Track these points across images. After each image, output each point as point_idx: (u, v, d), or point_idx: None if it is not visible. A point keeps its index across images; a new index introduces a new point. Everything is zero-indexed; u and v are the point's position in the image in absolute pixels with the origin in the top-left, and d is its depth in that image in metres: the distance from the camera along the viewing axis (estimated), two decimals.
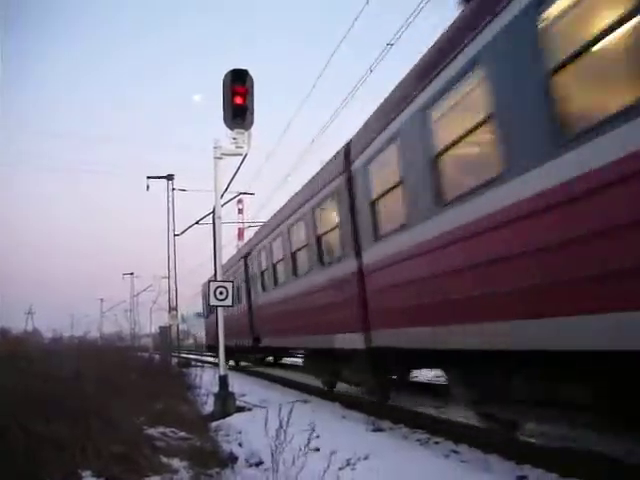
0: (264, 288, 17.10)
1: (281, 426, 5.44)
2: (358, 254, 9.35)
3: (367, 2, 13.03)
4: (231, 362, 28.32)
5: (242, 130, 12.07)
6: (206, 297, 29.33)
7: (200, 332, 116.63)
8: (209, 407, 11.76)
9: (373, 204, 8.68)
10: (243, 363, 29.02)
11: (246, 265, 20.03)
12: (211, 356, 35.26)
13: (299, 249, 13.12)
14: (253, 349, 21.07)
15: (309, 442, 5.54)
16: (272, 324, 16.26)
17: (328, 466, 5.22)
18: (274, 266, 15.55)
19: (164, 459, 6.38)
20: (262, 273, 17.22)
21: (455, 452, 6.95)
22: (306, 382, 15.78)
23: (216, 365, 14.48)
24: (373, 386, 10.58)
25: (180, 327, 39.92)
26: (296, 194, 13.46)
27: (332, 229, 10.85)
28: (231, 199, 31.25)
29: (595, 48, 4.33)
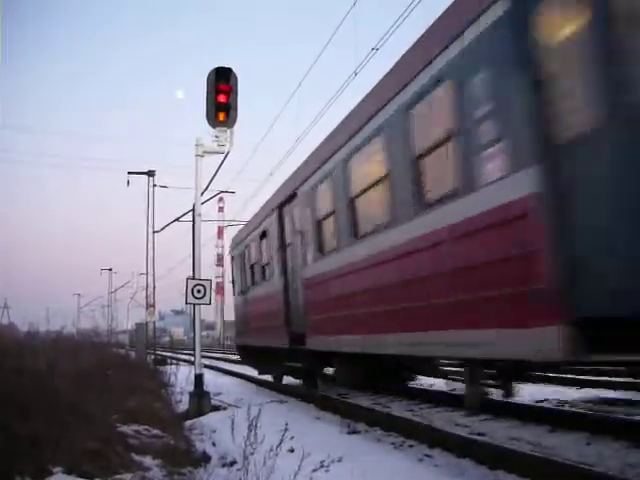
0: None
1: (250, 427, 5.42)
2: None
3: (354, 4, 13.06)
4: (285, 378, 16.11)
5: (225, 128, 12.04)
6: (241, 256, 17.94)
7: (178, 329, 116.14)
8: (184, 405, 11.71)
9: None
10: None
11: None
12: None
13: None
14: None
15: (281, 443, 5.52)
16: None
17: (299, 468, 5.20)
18: None
19: (136, 457, 6.33)
20: None
21: (428, 456, 6.95)
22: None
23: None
24: None
25: (157, 324, 39.66)
26: None
27: None
28: (211, 197, 31.11)
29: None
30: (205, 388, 12.17)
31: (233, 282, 19.58)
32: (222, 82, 11.75)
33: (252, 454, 5.21)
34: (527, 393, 9.61)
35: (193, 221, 13.63)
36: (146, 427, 7.84)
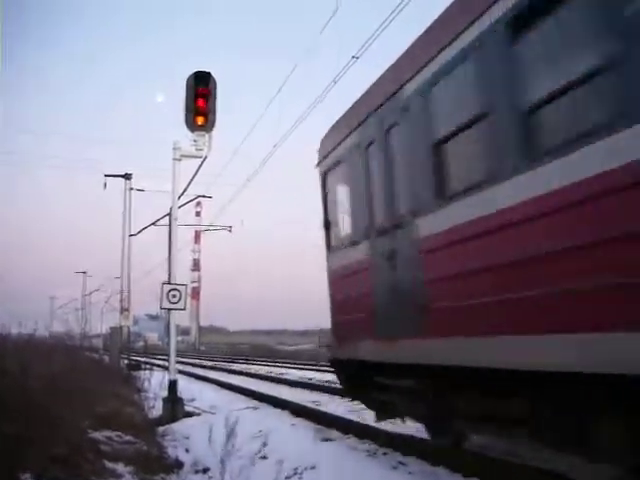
0: None
1: (228, 436, 5.36)
2: None
3: (335, 11, 13.08)
4: None
5: (203, 132, 11.96)
6: (366, 161, 7.35)
7: (152, 334, 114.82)
8: (157, 411, 11.59)
9: None
10: None
11: None
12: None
13: None
14: None
15: (260, 451, 5.50)
16: None
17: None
18: None
19: (108, 464, 6.24)
20: None
21: (403, 464, 6.93)
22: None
23: None
24: None
25: (131, 329, 39.28)
26: None
27: None
28: (189, 201, 30.89)
29: None
30: (179, 394, 12.06)
31: (327, 226, 9.59)
32: (201, 86, 11.67)
33: (228, 462, 5.16)
34: None
35: (170, 225, 13.52)
36: (118, 433, 7.74)
